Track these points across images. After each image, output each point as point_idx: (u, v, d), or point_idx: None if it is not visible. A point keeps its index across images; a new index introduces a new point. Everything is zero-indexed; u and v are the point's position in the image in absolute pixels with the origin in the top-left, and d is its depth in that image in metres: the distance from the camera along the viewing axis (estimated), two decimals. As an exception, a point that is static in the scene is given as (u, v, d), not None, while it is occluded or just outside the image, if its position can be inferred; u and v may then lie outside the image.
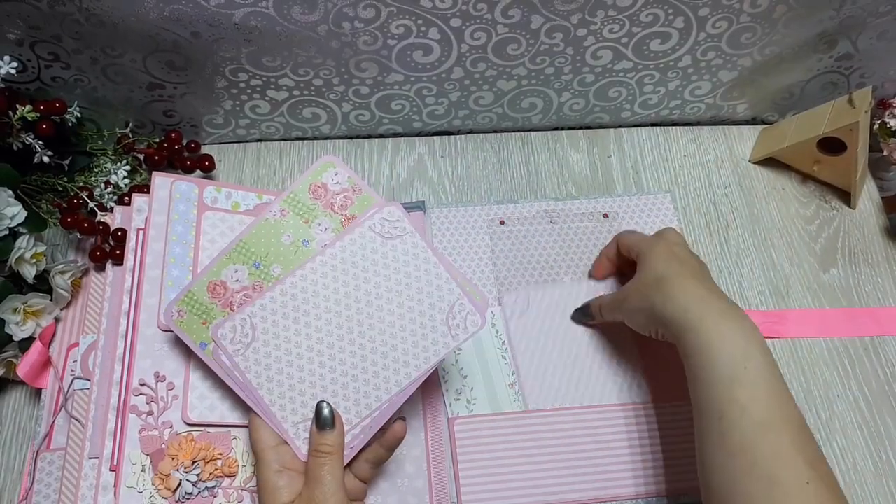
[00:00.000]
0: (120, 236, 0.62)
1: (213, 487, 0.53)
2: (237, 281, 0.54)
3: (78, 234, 0.64)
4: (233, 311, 0.53)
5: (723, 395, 0.49)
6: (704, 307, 0.52)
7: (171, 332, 0.55)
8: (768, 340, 0.66)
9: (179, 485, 0.52)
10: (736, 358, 0.49)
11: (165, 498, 0.52)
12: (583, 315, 0.66)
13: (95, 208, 0.65)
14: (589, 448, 0.61)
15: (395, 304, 0.54)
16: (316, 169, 0.57)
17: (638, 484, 0.60)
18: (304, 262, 0.54)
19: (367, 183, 0.64)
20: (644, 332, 0.58)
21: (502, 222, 0.72)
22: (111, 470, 0.52)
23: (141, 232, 0.60)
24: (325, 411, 0.50)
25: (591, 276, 0.69)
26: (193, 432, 0.54)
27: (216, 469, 0.53)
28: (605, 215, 0.73)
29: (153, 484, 0.52)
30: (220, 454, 0.53)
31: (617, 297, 0.61)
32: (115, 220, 0.64)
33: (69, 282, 0.63)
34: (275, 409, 0.51)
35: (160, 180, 0.60)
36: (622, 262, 0.66)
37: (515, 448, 0.61)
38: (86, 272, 0.66)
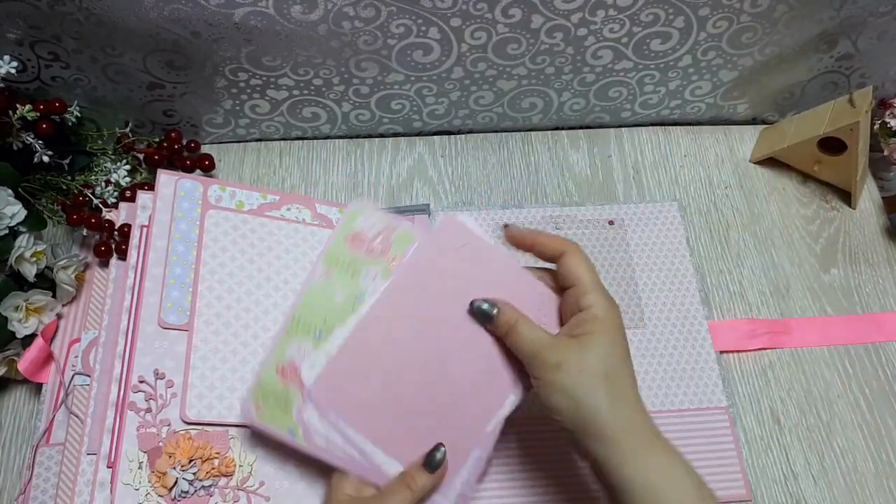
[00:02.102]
0: (126, 231, 0.63)
1: (210, 486, 0.53)
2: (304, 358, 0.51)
3: (84, 232, 0.64)
4: None
5: None
6: (638, 428, 0.45)
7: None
8: (772, 351, 0.67)
9: (176, 483, 0.52)
10: (692, 493, 0.43)
11: (161, 496, 0.52)
12: (481, 315, 0.51)
13: (100, 205, 0.65)
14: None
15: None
16: (346, 219, 0.54)
17: None
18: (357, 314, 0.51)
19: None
20: (555, 417, 0.46)
21: (506, 227, 0.71)
22: (108, 466, 0.53)
23: (144, 229, 0.60)
24: (438, 456, 0.49)
25: (507, 234, 0.53)
26: (191, 431, 0.54)
27: (213, 468, 0.53)
28: (611, 222, 0.72)
29: (150, 481, 0.52)
30: (218, 453, 0.53)
31: (551, 350, 0.47)
32: (119, 216, 0.65)
33: (73, 276, 0.63)
34: (387, 468, 0.49)
35: (165, 178, 0.60)
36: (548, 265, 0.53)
37: None
38: (87, 266, 0.66)
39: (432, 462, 0.49)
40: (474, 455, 0.51)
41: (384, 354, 0.50)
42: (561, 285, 0.50)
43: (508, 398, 0.51)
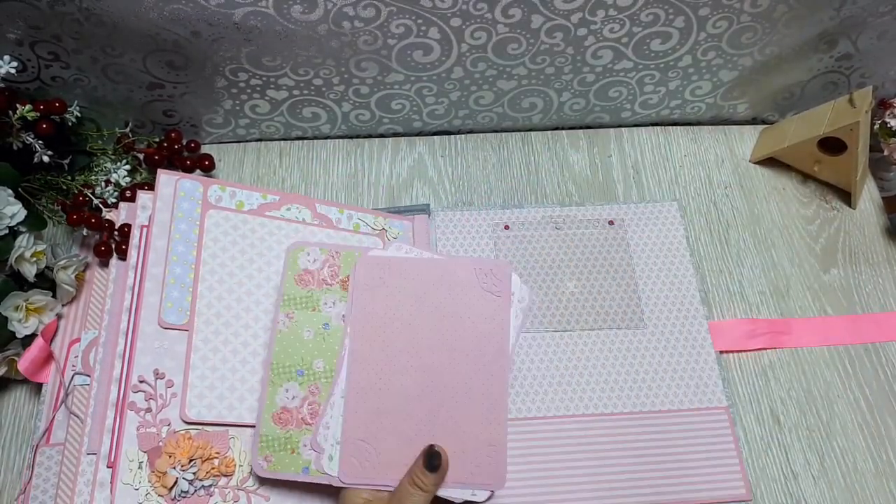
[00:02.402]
0: (126, 231, 0.63)
1: (210, 486, 0.53)
2: (294, 398, 0.53)
3: (84, 231, 0.64)
4: (308, 423, 0.53)
5: None
6: None
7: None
8: (772, 351, 0.67)
9: (176, 483, 0.52)
10: None
11: (161, 496, 0.52)
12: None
13: (100, 205, 0.65)
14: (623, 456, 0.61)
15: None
16: (289, 262, 0.56)
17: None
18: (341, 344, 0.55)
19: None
20: None
21: (507, 227, 0.71)
22: (108, 466, 0.53)
23: (144, 229, 0.60)
24: (436, 459, 0.51)
25: None
26: (191, 430, 0.54)
27: (213, 468, 0.53)
28: (611, 222, 0.72)
29: (150, 481, 0.52)
30: (218, 453, 0.53)
31: None
32: (119, 216, 0.65)
33: (73, 276, 0.63)
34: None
35: (165, 178, 0.60)
36: None
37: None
38: (87, 266, 0.66)
39: (430, 464, 0.50)
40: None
41: (383, 403, 0.53)
42: None
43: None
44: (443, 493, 0.52)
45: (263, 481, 0.54)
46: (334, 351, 0.54)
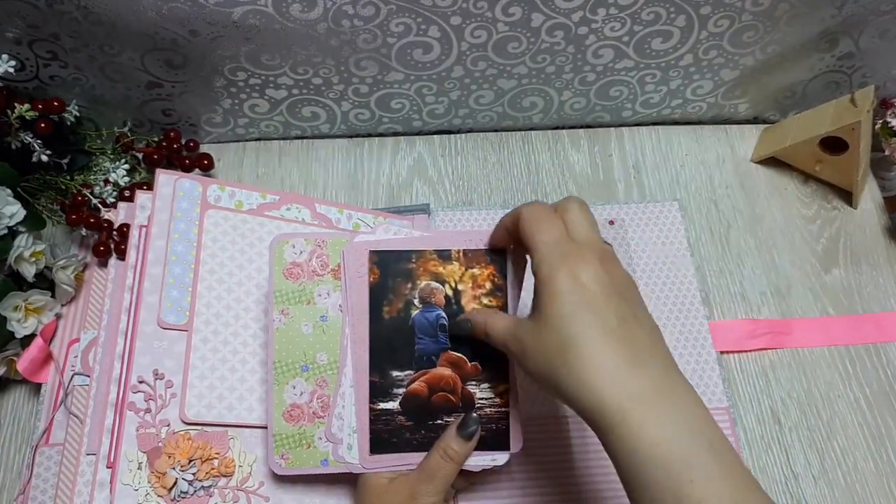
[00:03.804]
0: (125, 231, 0.63)
1: (209, 487, 0.53)
2: (302, 393, 0.53)
3: (83, 231, 0.64)
4: (321, 416, 0.53)
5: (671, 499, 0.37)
6: (626, 393, 0.38)
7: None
8: (773, 351, 0.67)
9: (175, 483, 0.52)
10: (677, 471, 0.36)
11: (161, 496, 0.52)
12: (458, 330, 0.52)
13: (98, 205, 0.65)
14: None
15: None
16: (275, 257, 0.55)
17: None
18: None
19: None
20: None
21: None
22: (108, 467, 0.53)
23: (143, 229, 0.60)
24: (473, 426, 0.50)
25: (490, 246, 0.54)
26: (191, 431, 0.54)
27: (212, 468, 0.53)
28: (611, 222, 0.72)
29: (149, 482, 0.52)
30: (217, 454, 0.53)
31: (513, 338, 0.44)
32: (118, 216, 0.64)
33: (72, 276, 0.63)
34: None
35: (164, 177, 0.60)
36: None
37: None
38: (86, 266, 0.66)
39: (467, 431, 0.50)
40: None
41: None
42: None
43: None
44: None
45: (274, 479, 0.54)
46: (336, 342, 0.54)
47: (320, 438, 0.52)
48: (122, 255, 0.63)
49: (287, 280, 0.54)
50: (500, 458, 0.53)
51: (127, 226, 0.62)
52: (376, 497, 0.50)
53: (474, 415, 0.51)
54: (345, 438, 0.52)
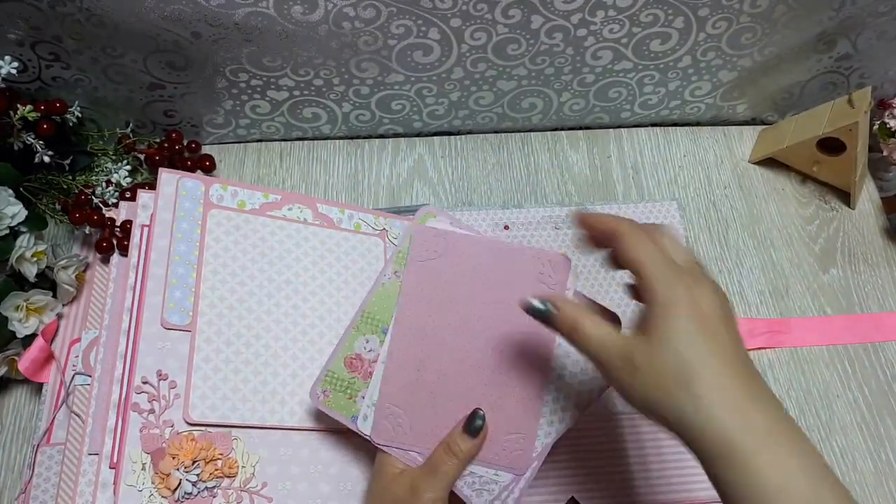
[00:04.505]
0: (128, 227, 0.63)
1: (213, 488, 0.53)
2: (371, 351, 0.54)
3: (86, 230, 0.64)
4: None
5: None
6: (751, 429, 0.37)
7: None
8: (771, 351, 0.67)
9: (179, 484, 0.52)
10: (802, 490, 0.36)
11: (165, 497, 0.52)
12: (536, 313, 0.45)
13: (100, 205, 0.65)
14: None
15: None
16: (419, 219, 0.57)
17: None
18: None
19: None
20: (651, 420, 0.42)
21: (507, 227, 0.72)
22: (111, 467, 0.52)
23: (145, 228, 0.60)
24: (478, 421, 0.50)
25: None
26: (194, 432, 0.54)
27: (216, 469, 0.53)
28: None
29: (153, 483, 0.52)
30: (221, 454, 0.53)
31: (619, 353, 0.41)
32: (119, 215, 0.65)
33: (73, 276, 0.63)
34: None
35: (167, 177, 0.60)
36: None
37: None
38: (88, 266, 0.66)
39: (472, 427, 0.50)
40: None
41: (422, 376, 0.53)
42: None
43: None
44: (469, 466, 0.51)
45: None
46: None
47: (362, 397, 0.54)
48: (124, 252, 0.63)
49: (412, 246, 0.56)
50: (502, 475, 0.52)
51: (130, 221, 0.62)
52: (384, 484, 0.51)
53: (480, 411, 0.51)
54: (363, 409, 0.53)
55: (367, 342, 0.55)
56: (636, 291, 0.44)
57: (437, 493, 0.48)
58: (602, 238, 0.45)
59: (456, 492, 0.51)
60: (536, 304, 0.45)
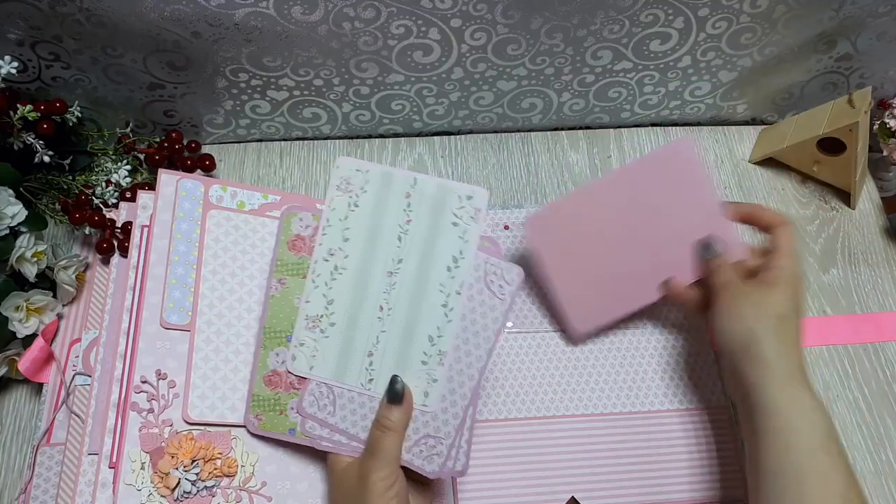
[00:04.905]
0: (128, 228, 0.63)
1: (212, 487, 0.53)
2: (283, 362, 0.55)
3: (86, 230, 0.64)
4: (296, 388, 0.54)
5: (804, 460, 0.48)
6: (798, 374, 0.52)
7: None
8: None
9: (178, 483, 0.52)
10: (824, 428, 0.49)
11: (164, 496, 0.52)
12: (705, 251, 0.60)
13: (100, 205, 0.65)
14: (637, 454, 0.62)
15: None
16: (283, 227, 0.57)
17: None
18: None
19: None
20: (719, 348, 0.57)
21: (507, 227, 0.72)
22: (110, 467, 0.53)
23: (145, 229, 0.60)
24: (398, 386, 0.51)
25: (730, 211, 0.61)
26: (194, 431, 0.54)
27: (215, 468, 0.53)
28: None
29: (152, 482, 0.52)
30: (220, 454, 0.53)
31: (736, 280, 0.57)
32: (119, 216, 0.65)
33: (73, 276, 0.63)
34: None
35: (166, 177, 0.60)
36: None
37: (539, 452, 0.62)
38: (88, 266, 0.66)
39: (394, 395, 0.51)
40: None
41: (591, 224, 0.62)
42: (768, 248, 0.58)
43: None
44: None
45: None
46: None
47: (292, 409, 0.54)
48: (125, 253, 0.63)
49: (290, 251, 0.56)
50: (444, 435, 0.53)
51: (130, 223, 0.62)
52: (335, 480, 0.52)
53: (397, 377, 0.52)
54: (291, 349, 0.54)
55: (278, 356, 0.55)
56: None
57: (384, 472, 0.48)
58: (763, 226, 0.60)
59: (406, 465, 0.52)
60: (711, 245, 0.60)
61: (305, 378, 0.54)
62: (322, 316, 0.55)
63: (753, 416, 0.52)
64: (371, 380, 0.54)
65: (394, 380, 0.52)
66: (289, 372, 0.54)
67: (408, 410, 0.52)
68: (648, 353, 0.66)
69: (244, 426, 0.55)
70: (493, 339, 0.54)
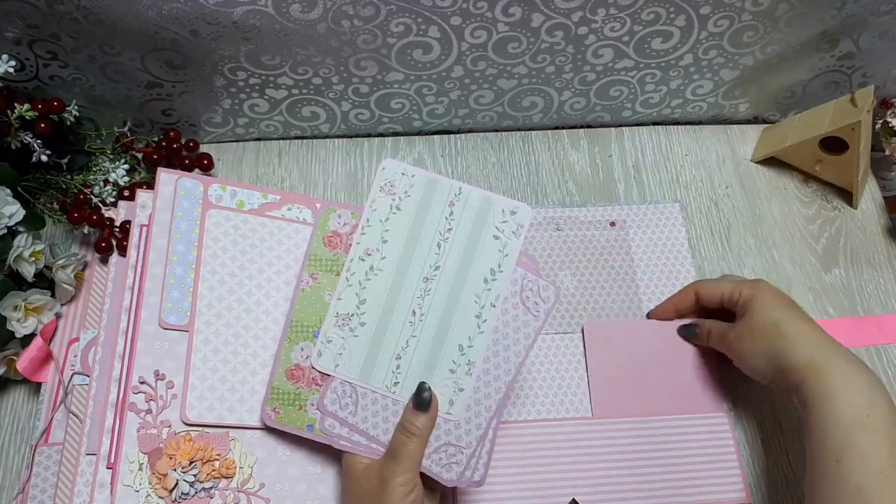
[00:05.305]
0: (127, 227, 0.62)
1: (210, 488, 0.53)
2: (307, 357, 0.55)
3: (85, 229, 0.64)
4: (318, 384, 0.54)
5: (842, 438, 0.49)
6: (828, 352, 0.53)
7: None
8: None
9: (176, 485, 0.51)
10: (861, 403, 0.50)
11: (162, 497, 0.51)
12: (688, 333, 0.65)
13: (98, 204, 0.65)
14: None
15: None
16: (319, 223, 0.57)
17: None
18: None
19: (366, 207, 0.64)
20: (757, 376, 0.58)
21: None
22: (108, 467, 0.52)
23: (144, 228, 0.60)
24: (425, 394, 0.52)
25: (648, 316, 0.67)
26: (192, 432, 0.54)
27: (213, 470, 0.53)
28: (613, 223, 0.72)
29: (150, 483, 0.52)
30: (218, 455, 0.53)
31: (726, 333, 0.60)
32: (118, 215, 0.64)
33: (72, 276, 0.63)
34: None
35: (165, 176, 0.60)
36: (698, 311, 0.65)
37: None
38: (86, 265, 0.66)
39: (421, 402, 0.51)
40: None
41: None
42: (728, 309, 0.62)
43: None
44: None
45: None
46: None
47: (312, 405, 0.54)
48: (123, 252, 0.63)
49: (325, 247, 0.56)
50: (466, 445, 0.53)
51: (129, 222, 0.62)
52: (354, 481, 0.51)
53: (425, 384, 0.52)
54: (317, 345, 0.54)
55: (303, 350, 0.55)
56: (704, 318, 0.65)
57: (405, 477, 0.49)
58: (690, 309, 0.66)
59: (425, 472, 0.52)
60: (692, 335, 0.65)
61: (329, 375, 0.54)
62: (353, 315, 0.55)
63: (809, 412, 0.52)
64: (396, 383, 0.54)
65: (421, 386, 0.52)
66: (312, 367, 0.54)
67: (433, 418, 0.52)
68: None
69: (243, 427, 0.54)
70: (524, 354, 0.54)
